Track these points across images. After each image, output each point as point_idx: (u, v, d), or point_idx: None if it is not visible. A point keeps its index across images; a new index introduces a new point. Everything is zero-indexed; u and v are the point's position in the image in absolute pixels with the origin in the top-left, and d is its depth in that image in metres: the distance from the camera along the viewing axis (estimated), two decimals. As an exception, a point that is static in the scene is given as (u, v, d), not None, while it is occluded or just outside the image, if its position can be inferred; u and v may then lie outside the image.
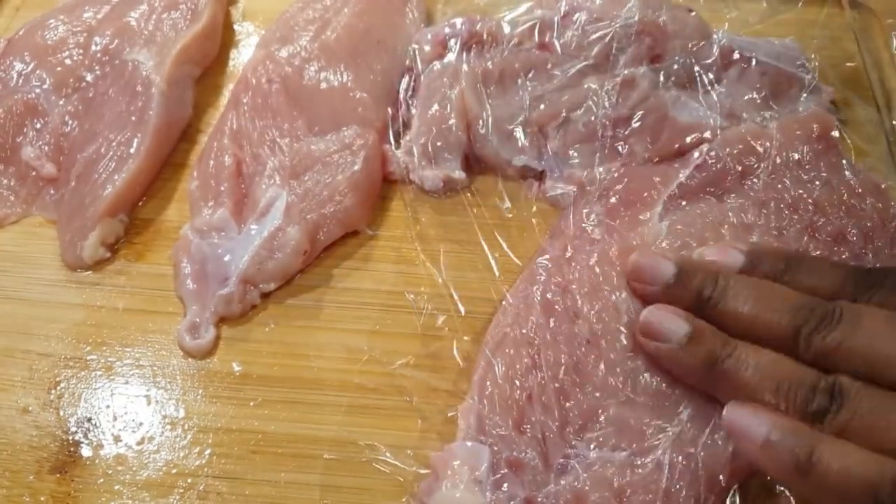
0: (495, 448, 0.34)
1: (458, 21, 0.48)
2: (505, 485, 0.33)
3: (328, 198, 0.42)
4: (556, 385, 0.35)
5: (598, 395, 0.35)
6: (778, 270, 0.35)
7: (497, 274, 0.41)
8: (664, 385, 0.35)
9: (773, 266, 0.35)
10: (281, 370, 0.39)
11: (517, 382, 0.36)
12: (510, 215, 0.44)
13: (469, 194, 0.45)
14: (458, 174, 0.45)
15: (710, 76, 0.47)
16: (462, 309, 0.40)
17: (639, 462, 0.34)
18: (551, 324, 0.37)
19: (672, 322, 0.34)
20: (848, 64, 0.50)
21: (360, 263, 0.43)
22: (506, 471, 0.34)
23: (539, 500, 0.33)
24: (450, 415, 0.37)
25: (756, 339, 0.33)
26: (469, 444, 0.34)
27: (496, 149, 0.45)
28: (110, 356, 0.40)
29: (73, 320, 0.41)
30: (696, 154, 0.43)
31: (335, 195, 0.43)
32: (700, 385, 0.34)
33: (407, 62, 0.49)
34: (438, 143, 0.45)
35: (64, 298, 0.42)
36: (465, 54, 0.47)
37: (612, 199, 0.42)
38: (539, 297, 0.38)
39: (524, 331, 0.37)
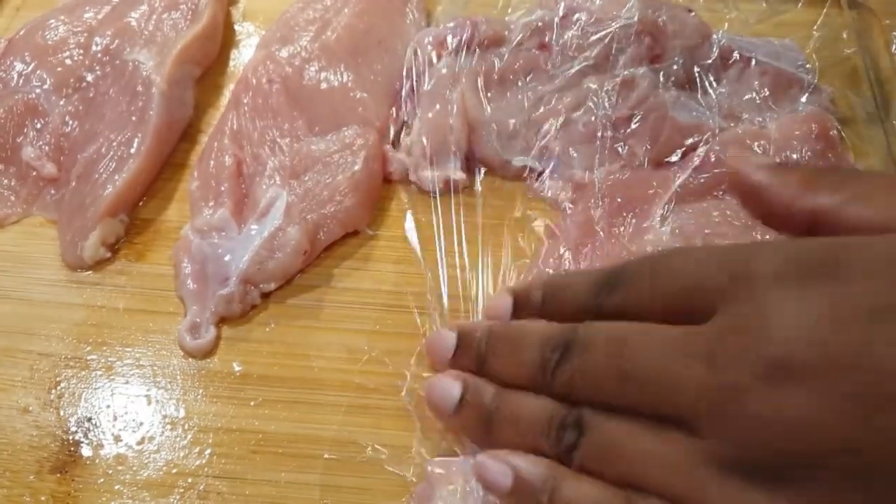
0: None
1: (458, 21, 0.48)
2: None
3: (328, 198, 0.42)
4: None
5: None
6: (540, 301, 0.34)
7: (497, 274, 0.41)
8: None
9: (536, 299, 0.34)
10: (281, 370, 0.39)
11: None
12: (510, 215, 0.44)
13: (469, 194, 0.45)
14: (458, 174, 0.45)
15: (710, 76, 0.46)
16: (463, 309, 0.40)
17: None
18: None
19: (444, 386, 0.32)
20: (848, 64, 0.50)
21: (360, 263, 0.43)
22: None
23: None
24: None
25: (522, 384, 0.31)
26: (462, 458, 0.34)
27: (496, 149, 0.45)
28: (111, 356, 0.40)
29: (73, 320, 0.41)
30: (697, 154, 0.43)
31: (335, 195, 0.43)
32: (488, 447, 0.32)
33: (407, 62, 0.49)
34: (438, 144, 0.45)
35: (64, 298, 0.42)
36: (465, 54, 0.47)
37: (613, 201, 0.42)
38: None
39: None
